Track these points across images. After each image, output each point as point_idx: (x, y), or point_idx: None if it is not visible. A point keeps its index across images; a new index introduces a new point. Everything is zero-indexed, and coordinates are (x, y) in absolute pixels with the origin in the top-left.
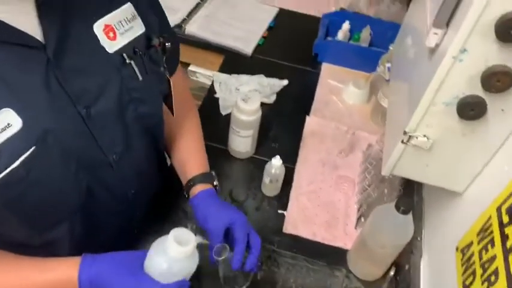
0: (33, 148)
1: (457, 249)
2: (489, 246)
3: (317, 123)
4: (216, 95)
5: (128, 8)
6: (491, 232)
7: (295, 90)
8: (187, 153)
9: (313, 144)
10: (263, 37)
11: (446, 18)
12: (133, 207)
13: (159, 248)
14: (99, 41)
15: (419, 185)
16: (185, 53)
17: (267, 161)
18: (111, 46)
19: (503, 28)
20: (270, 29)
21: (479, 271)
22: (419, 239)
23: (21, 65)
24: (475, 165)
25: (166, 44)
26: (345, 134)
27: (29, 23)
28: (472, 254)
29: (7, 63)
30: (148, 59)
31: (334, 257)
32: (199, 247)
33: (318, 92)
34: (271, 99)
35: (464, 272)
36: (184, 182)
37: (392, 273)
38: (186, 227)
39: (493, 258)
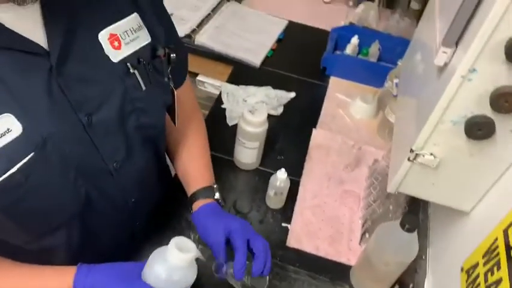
0: (32, 154)
1: (462, 269)
2: (495, 268)
3: (323, 137)
4: (223, 106)
5: (134, 18)
6: (498, 254)
7: (302, 103)
8: (191, 165)
9: (319, 157)
10: (272, 49)
11: (456, 37)
12: (134, 216)
13: (159, 256)
14: (103, 49)
15: (425, 203)
16: (194, 63)
17: (272, 173)
18: (116, 55)
19: None
20: (279, 41)
21: None
22: (424, 257)
23: (23, 71)
24: (483, 185)
25: (172, 54)
26: (351, 148)
27: (34, 30)
28: (478, 276)
29: (10, 68)
30: (153, 69)
31: (337, 272)
32: (197, 261)
33: (325, 106)
34: (278, 111)
35: None
36: (188, 194)
37: None
38: (188, 237)
39: (498, 281)
